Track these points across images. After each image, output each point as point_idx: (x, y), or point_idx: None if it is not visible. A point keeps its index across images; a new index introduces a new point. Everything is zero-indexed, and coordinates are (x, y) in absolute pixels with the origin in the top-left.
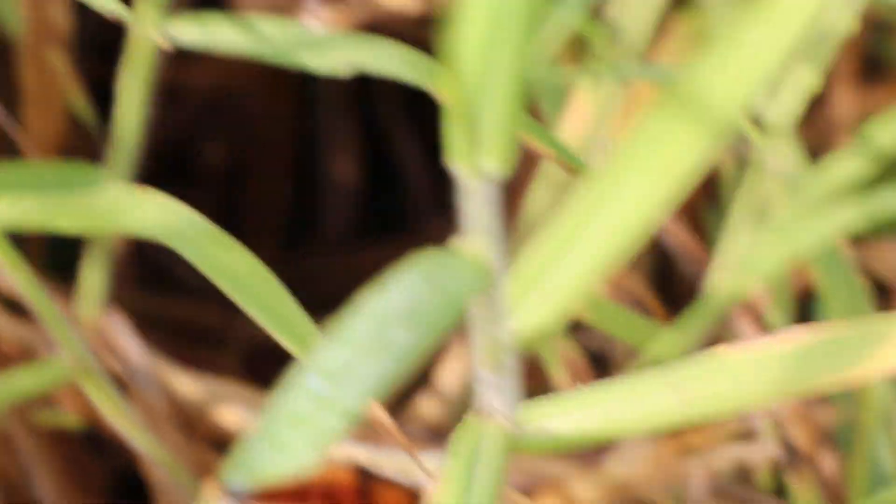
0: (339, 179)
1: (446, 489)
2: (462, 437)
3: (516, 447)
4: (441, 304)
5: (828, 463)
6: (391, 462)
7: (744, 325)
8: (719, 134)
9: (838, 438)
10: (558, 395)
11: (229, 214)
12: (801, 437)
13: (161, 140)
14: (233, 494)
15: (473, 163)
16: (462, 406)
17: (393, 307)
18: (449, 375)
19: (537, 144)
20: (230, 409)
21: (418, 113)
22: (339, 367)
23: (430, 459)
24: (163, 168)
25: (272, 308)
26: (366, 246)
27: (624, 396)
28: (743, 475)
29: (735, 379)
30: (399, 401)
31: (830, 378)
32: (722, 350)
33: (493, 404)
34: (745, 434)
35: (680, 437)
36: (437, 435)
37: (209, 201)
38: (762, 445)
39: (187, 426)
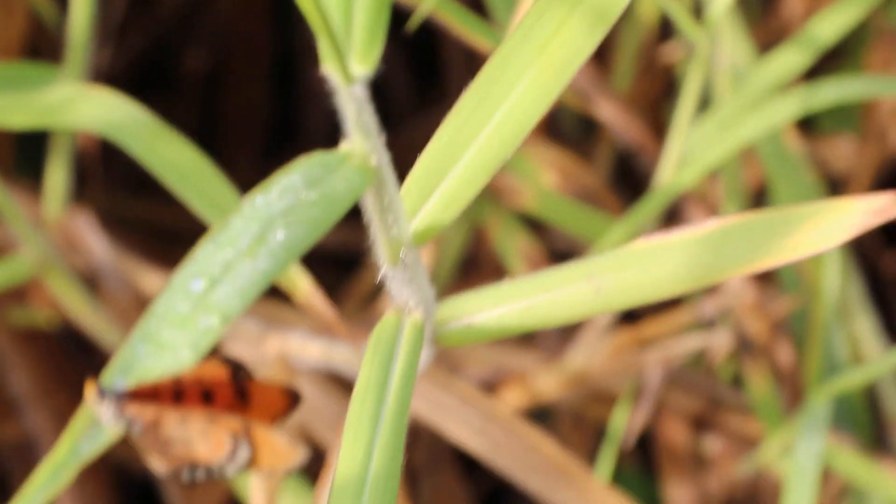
0: (318, 86)
1: (365, 380)
2: (379, 331)
3: (437, 339)
4: (321, 204)
5: (783, 352)
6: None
7: (696, 216)
8: (605, 21)
9: (793, 328)
10: (479, 291)
11: (210, 121)
12: (756, 327)
13: (142, 48)
14: (109, 394)
15: (342, 67)
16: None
17: (274, 208)
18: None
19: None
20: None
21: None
22: (219, 268)
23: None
24: (144, 76)
25: (216, 201)
26: None
27: (543, 288)
28: (700, 365)
29: (647, 268)
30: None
31: (740, 265)
32: (636, 241)
33: (406, 299)
34: (702, 323)
35: (638, 327)
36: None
37: (190, 108)
38: (717, 335)
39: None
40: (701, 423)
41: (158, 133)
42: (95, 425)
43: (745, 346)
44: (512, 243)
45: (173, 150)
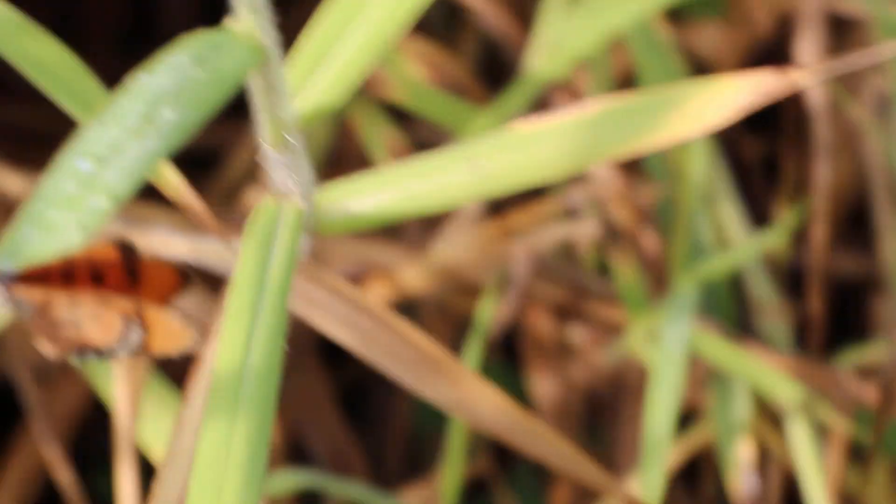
0: None
1: (243, 269)
2: (258, 218)
3: (316, 227)
4: (209, 82)
5: (648, 240)
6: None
7: (562, 104)
8: None
9: (659, 216)
10: (357, 176)
11: (69, 18)
12: (622, 215)
13: None
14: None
15: None
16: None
17: (161, 87)
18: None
19: None
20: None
21: None
22: (106, 148)
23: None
24: None
25: (82, 96)
26: None
27: (421, 173)
28: (566, 255)
29: (528, 151)
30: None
31: (622, 146)
32: (516, 124)
33: (287, 185)
34: (568, 213)
35: (504, 218)
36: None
37: (48, 5)
38: (583, 224)
39: None
40: (566, 313)
41: (22, 28)
42: None
43: (610, 235)
44: (378, 136)
45: (37, 44)
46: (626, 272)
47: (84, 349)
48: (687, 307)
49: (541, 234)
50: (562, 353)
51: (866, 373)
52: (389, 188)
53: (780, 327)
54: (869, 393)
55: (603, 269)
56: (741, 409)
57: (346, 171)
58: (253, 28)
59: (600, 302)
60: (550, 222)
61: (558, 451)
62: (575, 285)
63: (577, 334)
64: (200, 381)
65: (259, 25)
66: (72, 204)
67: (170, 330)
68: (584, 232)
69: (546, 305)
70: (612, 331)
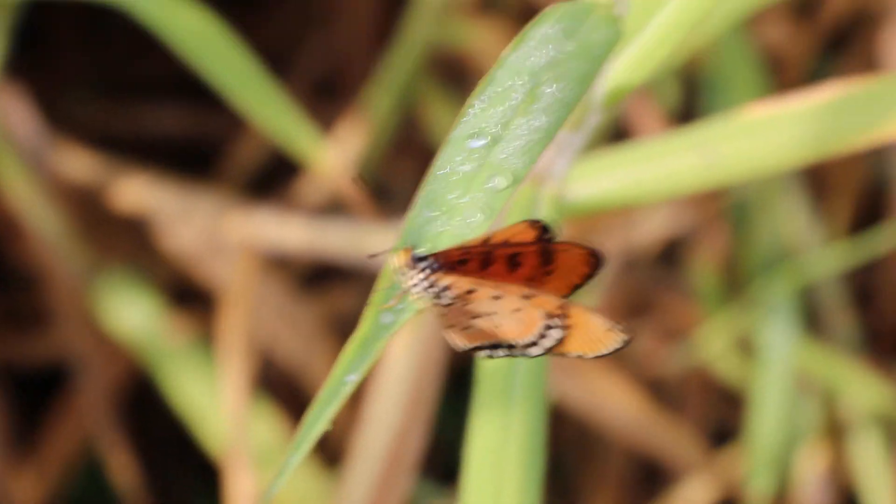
0: None
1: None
2: (519, 205)
3: (566, 213)
4: (581, 55)
5: (720, 239)
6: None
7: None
8: None
9: (731, 217)
10: (591, 163)
11: None
12: (697, 214)
13: None
14: (420, 262)
15: None
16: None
17: (536, 61)
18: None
19: None
20: (129, 188)
21: None
22: (497, 126)
23: None
24: None
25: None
26: None
27: (648, 158)
28: (641, 253)
29: (761, 138)
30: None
31: (861, 135)
32: (747, 109)
33: (551, 167)
34: (642, 213)
35: (590, 217)
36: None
37: None
38: (658, 222)
39: (84, 205)
40: (635, 311)
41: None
42: (398, 296)
43: (691, 232)
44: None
45: (191, 17)
46: (703, 271)
47: (497, 344)
48: (790, 317)
49: (634, 230)
50: (628, 353)
51: None
52: (615, 173)
53: (850, 332)
54: None
55: (671, 270)
56: (810, 417)
57: (411, 157)
58: (612, 3)
59: (670, 303)
60: (624, 223)
61: (690, 453)
62: (645, 285)
63: (645, 336)
64: (385, 376)
65: (618, 1)
66: (470, 184)
67: (592, 332)
68: (661, 230)
69: (617, 305)
70: (680, 334)
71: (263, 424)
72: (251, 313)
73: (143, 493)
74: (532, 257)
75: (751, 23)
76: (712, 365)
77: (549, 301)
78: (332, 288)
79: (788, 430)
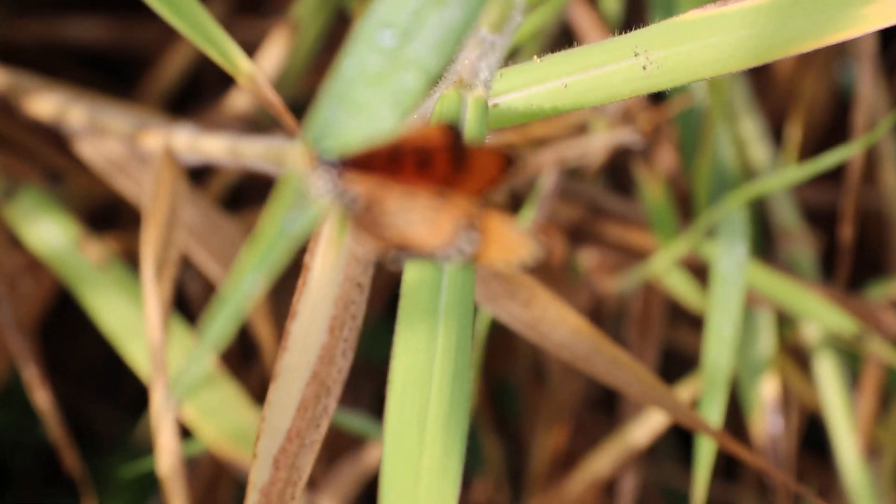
0: None
1: None
2: (443, 109)
3: (490, 122)
4: None
5: (668, 157)
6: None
7: None
8: None
9: (679, 132)
10: (520, 67)
11: None
12: (643, 129)
13: None
14: (326, 164)
15: None
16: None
17: None
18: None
19: None
20: (45, 102)
21: None
22: (407, 19)
23: None
24: None
25: None
26: None
27: (583, 65)
28: (585, 169)
29: (702, 42)
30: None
31: (806, 39)
32: (689, 12)
33: (476, 73)
34: (584, 127)
35: (526, 128)
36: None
37: None
38: (613, 135)
39: None
40: (580, 234)
41: None
42: (301, 200)
43: (639, 151)
44: None
45: None
46: (651, 190)
47: (408, 249)
48: (740, 235)
49: (568, 146)
50: (573, 274)
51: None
52: (547, 80)
53: (806, 256)
54: None
55: (621, 187)
56: (766, 343)
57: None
58: None
59: (617, 223)
60: (570, 134)
61: (637, 379)
62: (590, 204)
63: (591, 257)
64: (308, 293)
65: None
66: (381, 80)
67: (506, 239)
68: (607, 145)
69: (559, 225)
70: (629, 254)
71: (182, 343)
72: (173, 228)
73: (65, 417)
74: (443, 160)
75: None
76: (663, 288)
77: (461, 206)
78: (257, 202)
79: (744, 354)
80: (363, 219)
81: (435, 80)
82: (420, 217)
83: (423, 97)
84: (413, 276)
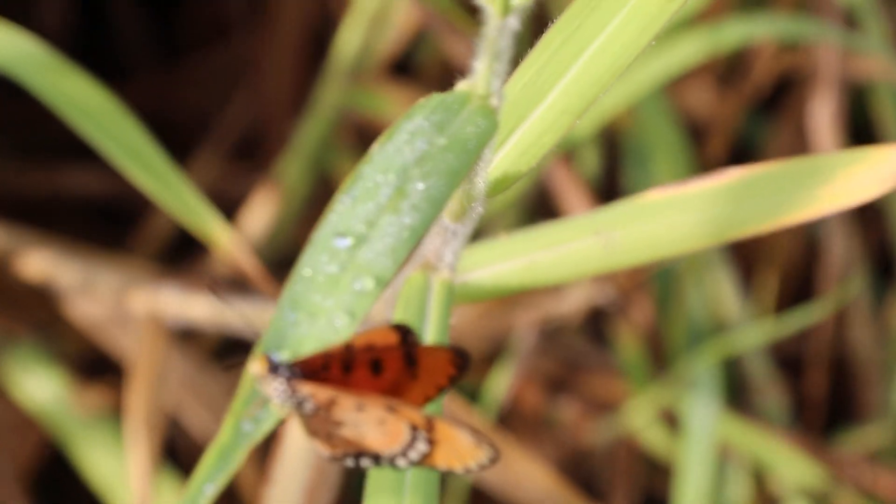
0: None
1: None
2: (409, 291)
3: (457, 298)
4: (453, 149)
5: (644, 311)
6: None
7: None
8: None
9: (657, 289)
10: (485, 244)
11: None
12: (618, 286)
13: None
14: (281, 369)
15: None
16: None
17: (406, 157)
18: (255, 221)
19: None
20: (35, 258)
21: None
22: (363, 225)
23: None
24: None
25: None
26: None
27: (546, 244)
28: (563, 325)
29: (661, 222)
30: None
31: (764, 219)
32: (649, 192)
33: (441, 256)
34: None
35: None
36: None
37: None
38: (579, 294)
39: None
40: (557, 386)
41: (60, 69)
42: (259, 404)
43: (612, 305)
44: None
45: (77, 86)
46: (627, 344)
47: (361, 454)
48: (713, 391)
49: (544, 305)
50: (551, 427)
51: (871, 457)
52: (512, 258)
53: (778, 404)
54: (878, 477)
55: (595, 342)
56: (738, 494)
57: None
58: (486, 90)
59: (594, 375)
60: (545, 293)
61: None
62: (567, 358)
63: (569, 409)
64: (284, 459)
65: (494, 87)
66: (335, 286)
67: (458, 446)
68: (580, 302)
69: (539, 378)
70: (604, 406)
71: (171, 496)
72: (158, 385)
73: None
74: (395, 361)
75: (674, 88)
76: (638, 439)
77: (414, 414)
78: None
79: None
80: (315, 422)
81: (389, 281)
82: (373, 423)
83: (377, 299)
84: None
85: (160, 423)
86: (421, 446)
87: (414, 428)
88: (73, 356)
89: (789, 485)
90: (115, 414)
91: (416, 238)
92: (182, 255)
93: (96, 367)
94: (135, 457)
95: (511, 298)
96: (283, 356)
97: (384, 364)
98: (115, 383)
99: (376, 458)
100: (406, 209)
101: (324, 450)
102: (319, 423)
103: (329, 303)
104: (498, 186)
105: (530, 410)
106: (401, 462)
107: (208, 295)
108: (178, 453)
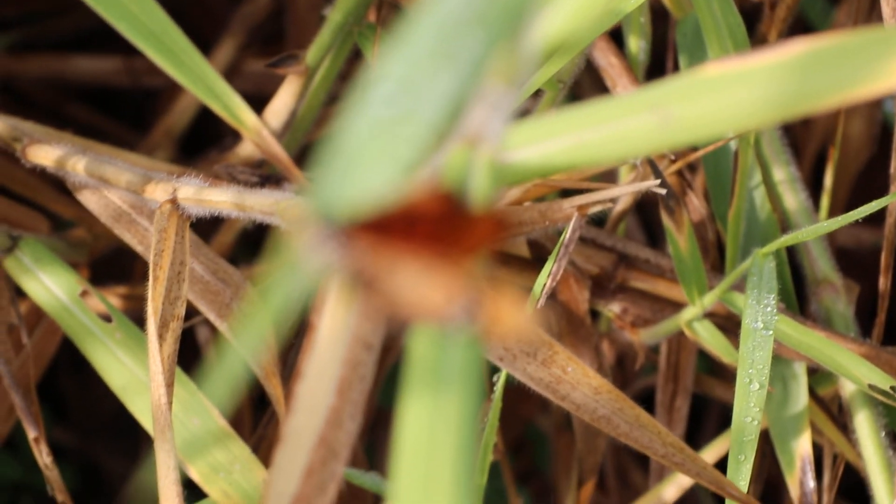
0: None
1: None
2: (452, 167)
3: (501, 178)
4: (504, 9)
5: (696, 205)
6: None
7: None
8: None
9: (708, 179)
10: (533, 121)
11: None
12: (670, 175)
13: None
14: (328, 228)
15: None
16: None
17: (456, 14)
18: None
19: None
20: (49, 149)
21: None
22: (412, 78)
23: None
24: None
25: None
26: None
27: (597, 119)
28: (610, 217)
29: (722, 97)
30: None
31: (833, 93)
32: (708, 66)
33: (485, 128)
34: (609, 175)
35: (548, 177)
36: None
37: None
38: (631, 185)
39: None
40: (604, 285)
41: None
42: (307, 259)
43: (667, 197)
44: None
45: None
46: (680, 242)
47: (411, 314)
48: (771, 287)
49: (592, 194)
50: (597, 324)
51: None
52: (560, 135)
53: (841, 305)
54: None
55: (645, 237)
56: (799, 398)
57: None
58: None
59: (644, 274)
60: (595, 182)
61: (661, 440)
62: (616, 254)
63: (617, 309)
64: (315, 353)
65: None
66: (384, 139)
67: (502, 309)
68: (633, 192)
69: (584, 276)
70: (655, 304)
71: (190, 395)
72: (179, 281)
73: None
74: (443, 224)
75: None
76: (691, 339)
77: (460, 273)
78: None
79: (777, 409)
80: (365, 283)
81: (442, 137)
82: (422, 280)
83: (429, 155)
84: (419, 342)
85: (180, 322)
86: (466, 306)
87: (460, 287)
88: (88, 252)
89: (853, 388)
90: (131, 313)
91: (460, 106)
92: (198, 150)
93: (114, 262)
94: (153, 359)
95: (556, 185)
96: (326, 221)
97: (431, 226)
98: (132, 282)
99: (426, 319)
100: (449, 73)
101: (374, 312)
102: (369, 283)
103: (378, 157)
104: (550, 49)
105: (575, 306)
106: (451, 322)
107: (230, 185)
108: (196, 351)
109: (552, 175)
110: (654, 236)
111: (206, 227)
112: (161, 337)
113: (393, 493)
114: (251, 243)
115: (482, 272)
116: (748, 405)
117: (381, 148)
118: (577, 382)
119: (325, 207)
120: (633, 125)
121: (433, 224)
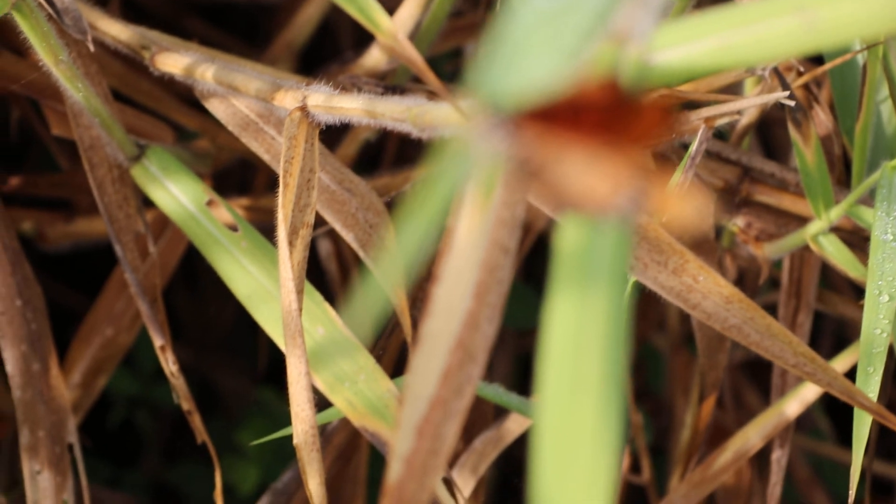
0: None
1: None
2: (600, 63)
3: (647, 78)
4: None
5: (822, 119)
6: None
7: None
8: None
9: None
10: (677, 22)
11: None
12: (797, 89)
13: None
14: (496, 119)
15: None
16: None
17: None
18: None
19: None
20: (175, 59)
21: None
22: None
23: None
24: None
25: None
26: None
27: (741, 21)
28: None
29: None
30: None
31: None
32: None
33: (635, 26)
34: (734, 88)
35: (673, 89)
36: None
37: None
38: (757, 97)
39: (127, 79)
40: (730, 198)
41: None
42: (452, 161)
43: (795, 109)
44: None
45: None
46: (807, 156)
47: (579, 204)
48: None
49: (718, 106)
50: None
51: None
52: (703, 37)
53: None
54: None
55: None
56: None
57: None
58: None
59: (770, 188)
60: (720, 95)
61: (792, 350)
62: (742, 168)
63: (743, 223)
64: (453, 257)
65: None
66: (551, 29)
67: (667, 197)
68: (759, 105)
69: (709, 189)
70: (780, 218)
71: (315, 305)
72: (308, 189)
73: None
74: (607, 114)
75: None
76: (817, 254)
77: (627, 163)
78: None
79: None
80: (532, 175)
81: (597, 30)
82: (583, 172)
83: (587, 47)
84: (566, 241)
85: (309, 230)
86: (639, 194)
87: (623, 176)
88: (213, 163)
89: None
90: (256, 222)
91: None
92: (318, 65)
93: (236, 174)
94: (283, 266)
95: (682, 97)
96: (494, 111)
97: (595, 116)
98: (256, 192)
99: (593, 209)
100: None
101: (543, 202)
102: (535, 175)
103: (536, 50)
104: None
105: (700, 220)
106: (620, 212)
107: (361, 93)
108: (319, 264)
109: (694, 79)
110: (774, 157)
111: (329, 139)
112: (291, 244)
113: (540, 391)
114: (369, 158)
115: (649, 163)
116: (877, 317)
117: (546, 38)
118: (707, 291)
119: (493, 97)
120: (779, 27)
121: (600, 113)
